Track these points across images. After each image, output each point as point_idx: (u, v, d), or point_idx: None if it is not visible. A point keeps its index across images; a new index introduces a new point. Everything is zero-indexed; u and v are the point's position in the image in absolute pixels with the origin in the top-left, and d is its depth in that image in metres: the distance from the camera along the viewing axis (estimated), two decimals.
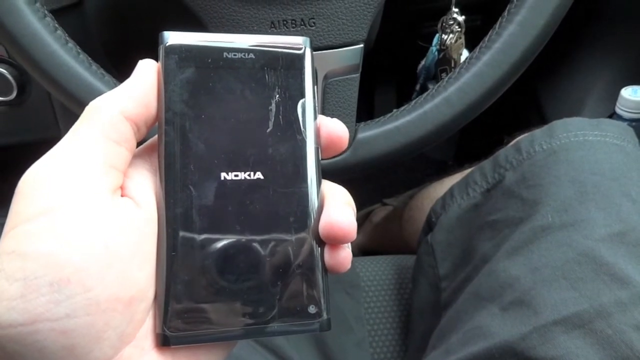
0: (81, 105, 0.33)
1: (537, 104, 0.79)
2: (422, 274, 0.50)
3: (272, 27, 0.34)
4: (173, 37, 0.22)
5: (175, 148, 0.21)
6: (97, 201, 0.20)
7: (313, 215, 0.22)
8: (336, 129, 0.23)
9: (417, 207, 0.67)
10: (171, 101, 0.21)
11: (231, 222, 0.21)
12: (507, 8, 0.36)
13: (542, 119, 0.78)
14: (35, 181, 0.19)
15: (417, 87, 0.51)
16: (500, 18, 0.36)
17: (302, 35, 0.34)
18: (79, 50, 0.34)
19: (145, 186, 0.22)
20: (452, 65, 0.46)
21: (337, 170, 0.37)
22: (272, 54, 0.22)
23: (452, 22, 0.44)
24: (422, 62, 0.50)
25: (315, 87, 0.23)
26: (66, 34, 0.34)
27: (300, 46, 0.23)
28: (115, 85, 0.34)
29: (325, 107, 0.36)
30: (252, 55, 0.22)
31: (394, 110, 0.37)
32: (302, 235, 0.22)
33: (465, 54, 0.47)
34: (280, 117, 0.22)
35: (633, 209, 0.36)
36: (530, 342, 0.33)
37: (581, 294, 0.33)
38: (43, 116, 0.53)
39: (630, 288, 0.33)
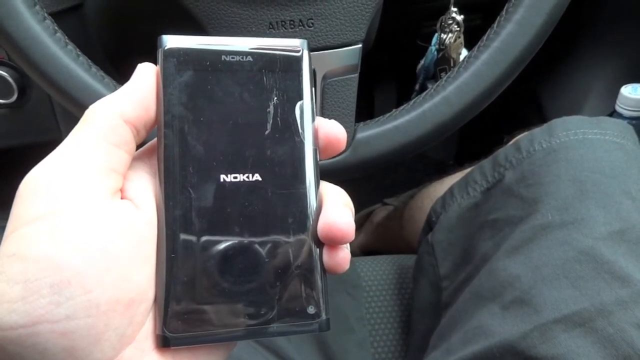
0: (81, 107, 0.33)
1: (536, 103, 0.79)
2: (422, 274, 0.50)
3: (271, 28, 0.34)
4: (171, 41, 0.22)
5: (175, 150, 0.21)
6: (97, 204, 0.20)
7: (311, 216, 0.22)
8: (334, 130, 0.23)
9: (418, 206, 0.67)
10: (170, 104, 0.21)
11: (230, 223, 0.21)
12: (506, 7, 0.36)
13: (542, 118, 0.78)
14: (36, 184, 0.20)
15: (417, 86, 0.51)
16: (498, 17, 0.36)
17: (300, 35, 0.34)
18: (79, 53, 0.34)
19: (144, 188, 0.22)
20: (452, 64, 0.46)
21: (337, 170, 0.37)
22: (269, 56, 0.23)
23: (451, 22, 0.44)
24: (421, 62, 0.50)
25: (313, 89, 0.23)
26: (66, 37, 0.34)
27: (298, 48, 0.23)
28: (115, 88, 0.34)
29: (325, 108, 0.36)
30: (250, 58, 0.22)
31: (394, 110, 0.37)
32: (301, 236, 0.22)
33: (464, 53, 0.47)
34: (278, 119, 0.22)
35: (633, 207, 0.36)
36: (531, 341, 0.33)
37: (582, 292, 0.33)
38: (44, 119, 0.53)
39: (631, 286, 0.33)
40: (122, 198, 0.21)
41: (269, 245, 0.22)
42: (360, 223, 0.90)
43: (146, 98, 0.21)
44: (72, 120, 0.23)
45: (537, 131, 0.43)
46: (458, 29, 0.45)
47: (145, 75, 0.22)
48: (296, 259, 0.22)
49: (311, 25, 0.34)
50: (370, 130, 0.37)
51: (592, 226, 0.35)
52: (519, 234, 0.38)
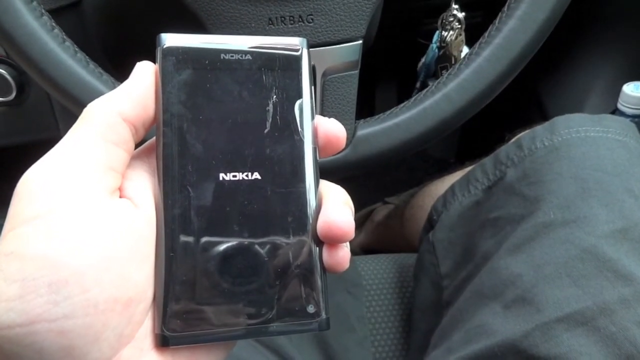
0: (79, 104, 0.33)
1: (538, 101, 0.79)
2: (423, 272, 0.49)
3: (270, 24, 0.34)
4: (170, 39, 0.22)
5: (173, 149, 0.21)
6: (96, 203, 0.20)
7: (311, 215, 0.22)
8: (333, 129, 0.23)
9: (419, 205, 0.67)
10: (169, 103, 0.21)
11: (229, 222, 0.21)
12: (507, 3, 0.35)
13: (543, 116, 0.77)
14: (34, 183, 0.19)
15: (418, 84, 0.51)
16: (500, 13, 0.36)
17: (300, 31, 0.34)
18: (77, 49, 0.34)
19: (143, 187, 0.22)
20: (453, 62, 0.46)
21: (338, 167, 0.36)
22: (269, 55, 0.23)
23: (452, 19, 0.44)
24: (423, 60, 0.50)
25: (313, 87, 0.23)
26: (63, 33, 0.34)
27: (297, 47, 0.23)
28: (114, 85, 0.34)
29: (325, 104, 0.35)
30: (249, 57, 0.22)
31: (394, 107, 0.37)
32: (300, 235, 0.22)
33: (465, 50, 0.46)
34: (278, 117, 0.22)
35: (636, 205, 0.36)
36: (533, 339, 0.33)
37: (584, 291, 0.33)
38: (42, 117, 0.53)
39: (633, 285, 0.32)
40: (120, 197, 0.21)
41: (268, 244, 0.21)
42: (360, 222, 0.90)
43: (145, 96, 0.21)
44: (71, 118, 0.23)
45: (539, 129, 0.42)
46: (459, 26, 0.44)
47: (144, 73, 0.22)
48: (296, 257, 0.22)
49: (311, 21, 0.34)
50: (370, 128, 0.36)
51: (594, 224, 0.35)
52: (521, 232, 0.38)
